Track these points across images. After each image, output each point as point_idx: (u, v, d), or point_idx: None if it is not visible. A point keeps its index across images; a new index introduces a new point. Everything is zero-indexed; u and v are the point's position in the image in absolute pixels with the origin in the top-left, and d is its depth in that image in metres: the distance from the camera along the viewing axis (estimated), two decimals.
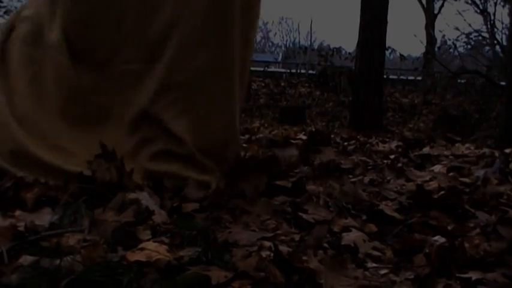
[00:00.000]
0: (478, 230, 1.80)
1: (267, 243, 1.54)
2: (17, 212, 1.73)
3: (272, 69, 20.71)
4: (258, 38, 36.97)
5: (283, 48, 34.18)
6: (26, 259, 1.32)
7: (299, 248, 1.56)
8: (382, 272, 1.47)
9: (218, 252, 1.45)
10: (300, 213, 1.89)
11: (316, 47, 22.07)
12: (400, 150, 4.07)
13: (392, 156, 3.59)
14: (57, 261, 1.29)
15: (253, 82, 16.95)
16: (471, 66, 17.06)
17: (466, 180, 2.67)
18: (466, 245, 1.56)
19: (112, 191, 1.90)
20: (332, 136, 4.83)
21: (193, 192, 2.06)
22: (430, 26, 20.79)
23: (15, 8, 22.18)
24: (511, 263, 1.52)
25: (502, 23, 18.73)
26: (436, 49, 20.82)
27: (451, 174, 2.87)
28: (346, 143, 4.47)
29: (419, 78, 18.47)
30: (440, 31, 32.87)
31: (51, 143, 2.15)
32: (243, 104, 2.79)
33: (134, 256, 1.38)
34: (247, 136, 4.09)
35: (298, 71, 19.63)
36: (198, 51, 2.24)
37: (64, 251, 1.36)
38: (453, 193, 2.21)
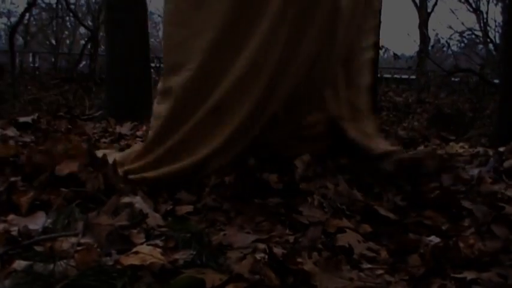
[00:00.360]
0: (472, 230, 1.80)
1: (262, 245, 1.53)
2: (10, 217, 1.72)
3: None
4: None
5: None
6: (20, 264, 1.32)
7: (293, 249, 1.56)
8: (377, 272, 1.47)
9: (213, 255, 1.45)
10: (294, 215, 1.89)
11: None
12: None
13: None
14: (51, 266, 1.29)
15: None
16: (465, 64, 17.08)
17: None
18: (461, 244, 1.56)
19: (106, 195, 1.89)
20: None
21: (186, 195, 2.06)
22: (423, 25, 20.80)
23: (8, 10, 22.13)
24: (505, 262, 1.52)
25: (495, 21, 18.77)
26: (429, 48, 20.84)
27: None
28: None
29: (413, 77, 18.50)
30: (434, 30, 32.84)
31: None
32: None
33: (128, 260, 1.38)
34: None
35: None
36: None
37: (58, 256, 1.36)
38: (448, 192, 2.22)
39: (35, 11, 19.10)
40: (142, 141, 3.77)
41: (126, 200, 1.82)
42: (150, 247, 1.46)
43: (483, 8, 19.25)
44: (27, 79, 14.43)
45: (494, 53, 16.97)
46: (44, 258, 1.34)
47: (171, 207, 1.95)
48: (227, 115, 2.37)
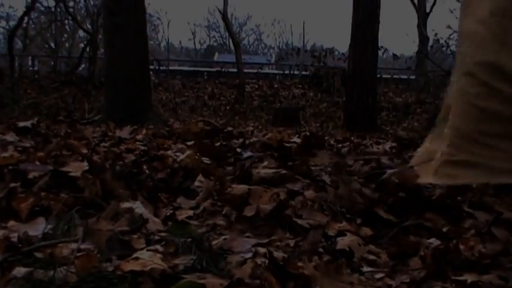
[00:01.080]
0: (473, 232, 1.80)
1: (262, 250, 1.53)
2: (10, 223, 1.72)
3: (265, 70, 20.78)
4: (251, 39, 37.04)
5: (276, 49, 34.25)
6: (20, 271, 1.32)
7: (294, 253, 1.55)
8: (378, 276, 1.47)
9: (213, 260, 1.45)
10: (295, 218, 1.88)
11: (309, 48, 22.08)
12: (394, 151, 4.06)
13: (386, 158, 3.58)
14: (51, 273, 1.28)
15: (246, 84, 16.97)
16: None
17: None
18: (461, 247, 1.56)
19: (105, 200, 1.89)
20: (326, 138, 4.83)
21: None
22: (422, 25, 20.82)
23: (7, 13, 22.13)
24: (506, 264, 1.52)
25: None
26: (428, 48, 20.86)
27: None
28: (340, 145, 4.46)
29: (412, 77, 18.53)
30: (433, 30, 32.91)
31: None
32: None
33: (128, 265, 1.37)
34: (241, 140, 4.08)
35: (292, 72, 19.67)
36: None
37: (58, 262, 1.35)
38: (449, 194, 2.21)
39: (33, 14, 19.14)
40: (143, 145, 3.77)
41: (126, 205, 1.81)
42: (150, 252, 1.46)
43: None
44: (27, 83, 14.45)
45: None
46: (44, 265, 1.33)
47: (171, 212, 1.95)
48: None
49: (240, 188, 2.09)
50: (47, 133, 4.11)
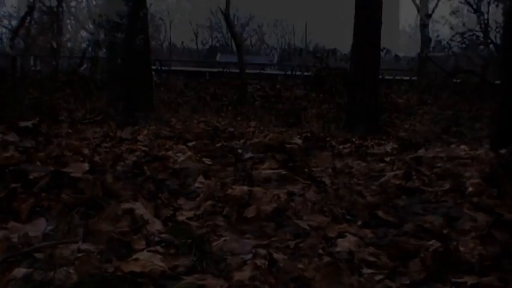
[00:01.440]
0: (473, 234, 1.79)
1: (262, 251, 1.53)
2: (11, 223, 1.72)
3: (268, 71, 20.79)
4: (253, 40, 37.04)
5: (278, 50, 34.23)
6: (19, 271, 1.32)
7: (294, 255, 1.55)
8: (378, 278, 1.47)
9: (213, 261, 1.45)
10: (295, 220, 1.88)
11: (311, 49, 22.09)
12: (395, 152, 4.06)
13: (387, 159, 3.58)
14: (51, 273, 1.29)
15: (248, 85, 16.97)
16: (466, 65, 17.07)
17: None
18: (461, 249, 1.56)
19: (106, 201, 1.89)
20: (328, 139, 4.82)
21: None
22: (424, 26, 20.81)
23: (9, 13, 22.16)
24: (506, 266, 1.52)
25: (496, 22, 18.72)
26: (430, 49, 20.83)
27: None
28: (341, 146, 4.45)
29: (414, 78, 18.51)
30: (436, 31, 32.86)
31: None
32: None
33: (129, 266, 1.37)
34: (242, 141, 4.07)
35: (294, 73, 19.66)
36: None
37: (58, 263, 1.35)
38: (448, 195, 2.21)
39: (36, 14, 19.14)
40: (144, 145, 3.77)
41: (126, 206, 1.81)
42: (150, 253, 1.46)
43: (484, 9, 19.23)
44: (29, 82, 14.43)
45: (495, 54, 16.96)
46: (44, 266, 1.33)
47: (172, 212, 1.94)
48: None
49: (240, 189, 2.09)
50: (48, 133, 4.10)
